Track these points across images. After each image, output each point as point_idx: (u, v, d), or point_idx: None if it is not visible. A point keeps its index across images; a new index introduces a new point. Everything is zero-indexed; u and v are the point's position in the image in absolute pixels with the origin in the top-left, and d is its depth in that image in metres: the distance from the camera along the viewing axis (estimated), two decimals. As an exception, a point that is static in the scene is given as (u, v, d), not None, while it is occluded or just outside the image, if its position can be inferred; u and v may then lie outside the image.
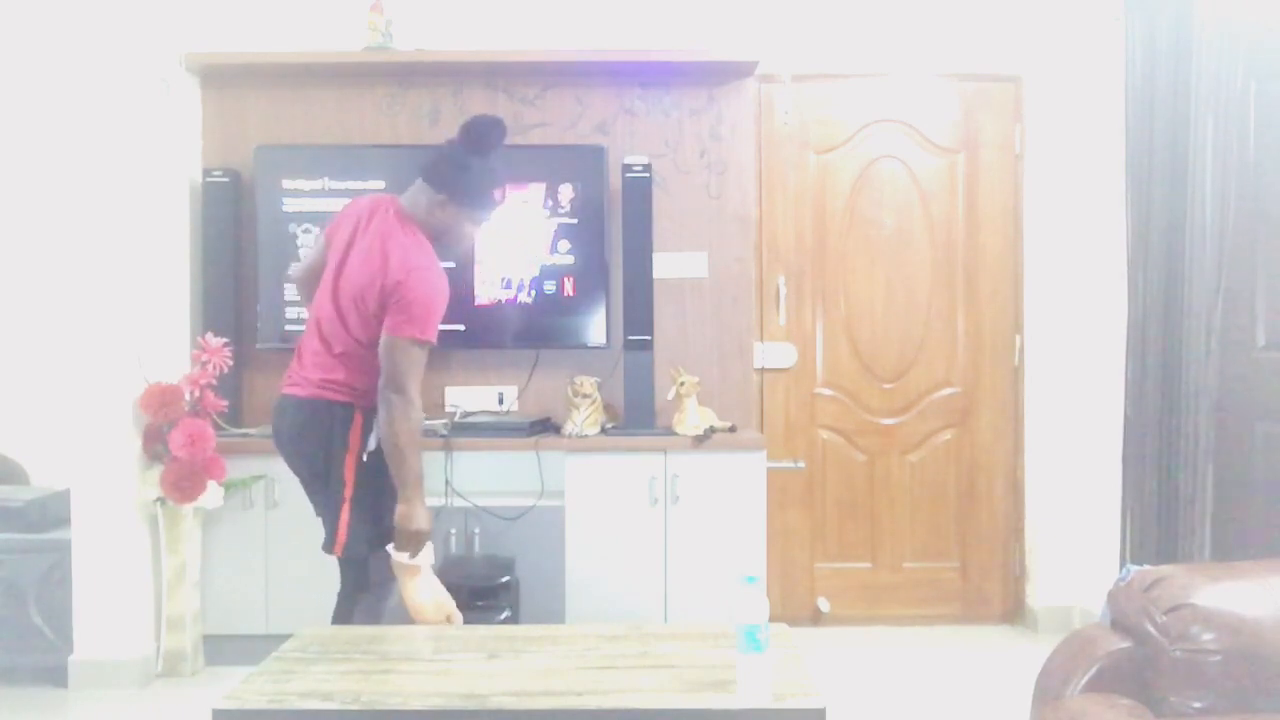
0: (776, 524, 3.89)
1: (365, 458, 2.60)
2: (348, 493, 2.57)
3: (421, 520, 2.52)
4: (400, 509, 2.52)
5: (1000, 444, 4.08)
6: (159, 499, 3.38)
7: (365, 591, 2.62)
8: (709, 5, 3.88)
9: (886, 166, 4.03)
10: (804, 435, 4.04)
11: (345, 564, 2.66)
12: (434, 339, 2.53)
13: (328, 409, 2.60)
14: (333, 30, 3.82)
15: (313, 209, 3.73)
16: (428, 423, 3.65)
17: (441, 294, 2.54)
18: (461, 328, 3.74)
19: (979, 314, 4.06)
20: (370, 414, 2.59)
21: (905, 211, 4.03)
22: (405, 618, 2.54)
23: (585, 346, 3.75)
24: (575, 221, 3.72)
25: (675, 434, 3.53)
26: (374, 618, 2.58)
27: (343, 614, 2.64)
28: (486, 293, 3.74)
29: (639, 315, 3.64)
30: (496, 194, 2.64)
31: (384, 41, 3.75)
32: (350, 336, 2.59)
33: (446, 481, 3.54)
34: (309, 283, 2.78)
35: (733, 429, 3.65)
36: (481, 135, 2.57)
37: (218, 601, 3.54)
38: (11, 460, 3.81)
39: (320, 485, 2.62)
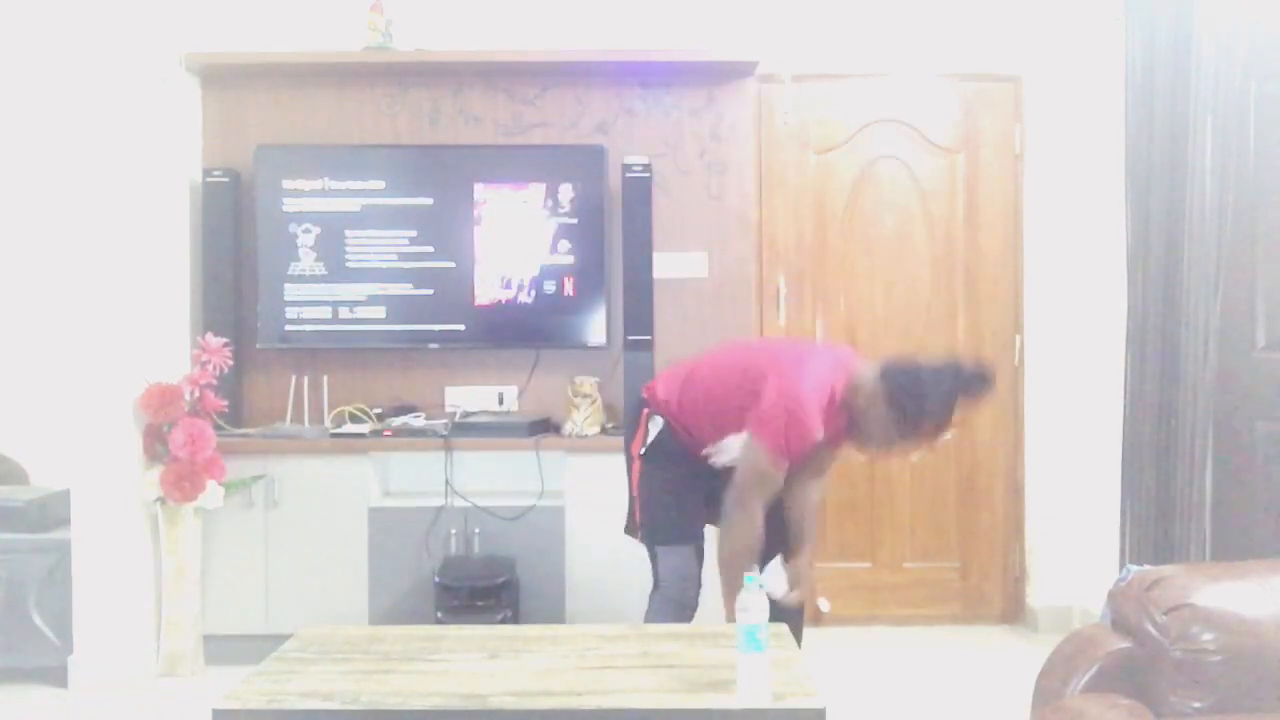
0: (776, 524, 3.89)
1: (644, 451, 2.70)
2: (633, 480, 2.73)
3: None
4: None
5: (1000, 444, 4.07)
6: (159, 499, 3.38)
7: (656, 590, 2.66)
8: (709, 5, 3.88)
9: (886, 166, 4.03)
10: (804, 435, 4.04)
11: (650, 557, 2.71)
12: (783, 458, 2.46)
13: (640, 403, 2.78)
14: (333, 30, 3.82)
15: (313, 209, 3.73)
16: (428, 423, 3.67)
17: (802, 426, 2.43)
18: (461, 328, 3.74)
19: (979, 314, 4.06)
20: (662, 417, 2.68)
21: (905, 211, 4.03)
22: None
23: (585, 346, 3.75)
24: (575, 221, 3.72)
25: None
26: (658, 615, 2.61)
27: (648, 609, 2.69)
28: (486, 293, 3.74)
29: (639, 315, 3.64)
30: (924, 429, 2.43)
31: (384, 41, 3.75)
32: (699, 387, 2.66)
33: (446, 481, 3.54)
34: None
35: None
36: (974, 382, 2.42)
37: (218, 601, 3.53)
38: (11, 460, 3.81)
39: (628, 473, 2.78)
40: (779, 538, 2.68)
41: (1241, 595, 1.80)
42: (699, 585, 2.67)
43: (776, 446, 2.45)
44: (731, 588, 2.47)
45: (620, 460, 3.25)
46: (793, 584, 2.63)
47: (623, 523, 2.81)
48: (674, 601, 2.61)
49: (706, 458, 2.66)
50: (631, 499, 2.76)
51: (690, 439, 2.68)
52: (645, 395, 2.78)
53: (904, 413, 2.41)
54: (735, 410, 2.56)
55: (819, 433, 2.48)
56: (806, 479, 2.68)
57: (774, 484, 2.51)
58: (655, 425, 2.69)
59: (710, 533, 2.74)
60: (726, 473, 2.59)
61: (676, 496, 2.67)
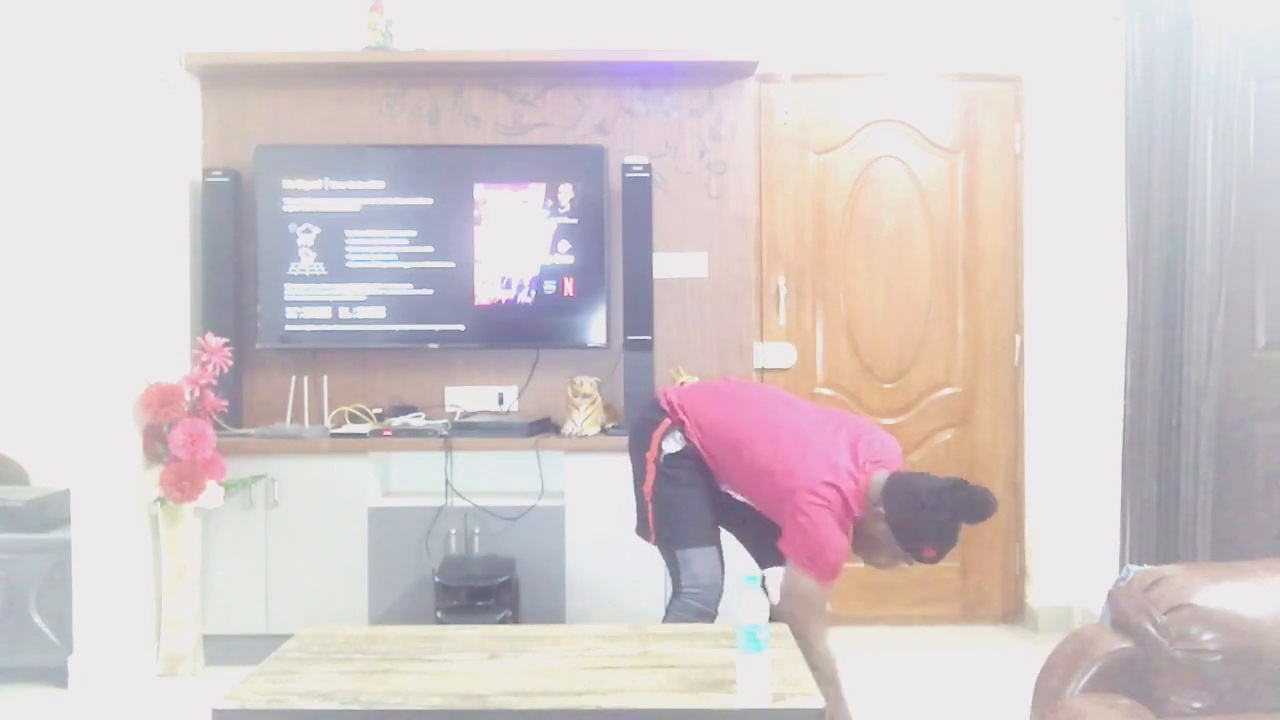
0: (776, 524, 3.89)
1: (663, 459, 2.69)
2: (646, 486, 2.71)
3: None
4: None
5: (1000, 444, 4.07)
6: (159, 499, 3.38)
7: (677, 596, 2.66)
8: (709, 5, 3.88)
9: (886, 166, 4.03)
10: (804, 435, 4.04)
11: (666, 562, 2.72)
12: (833, 579, 2.45)
13: (658, 412, 2.75)
14: (333, 30, 3.82)
15: (313, 209, 3.73)
16: (428, 423, 3.67)
17: (836, 547, 2.44)
18: (461, 328, 3.74)
19: (979, 314, 4.06)
20: (683, 434, 2.68)
21: (905, 211, 4.03)
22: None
23: (585, 346, 3.75)
24: (575, 221, 3.72)
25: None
26: (679, 622, 2.61)
27: (667, 613, 2.69)
28: (486, 293, 3.74)
29: (639, 315, 3.65)
30: (929, 551, 2.42)
31: (384, 41, 3.75)
32: (729, 437, 2.63)
33: (446, 481, 3.54)
34: None
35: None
36: (974, 508, 2.40)
37: (218, 601, 3.53)
38: (11, 460, 3.81)
39: (635, 475, 2.78)
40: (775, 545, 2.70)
41: (1241, 595, 1.80)
42: (721, 593, 2.66)
43: (825, 575, 2.44)
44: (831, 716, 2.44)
45: (621, 460, 3.25)
46: None
47: (632, 523, 2.80)
48: (695, 611, 2.61)
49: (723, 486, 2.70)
50: (643, 502, 2.74)
51: (711, 464, 2.69)
52: (664, 405, 2.75)
53: (909, 533, 2.41)
54: (767, 493, 2.58)
55: (848, 542, 2.50)
56: None
57: (827, 603, 2.53)
58: (674, 441, 2.68)
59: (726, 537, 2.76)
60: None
61: (695, 500, 2.67)
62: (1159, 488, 3.14)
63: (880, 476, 2.48)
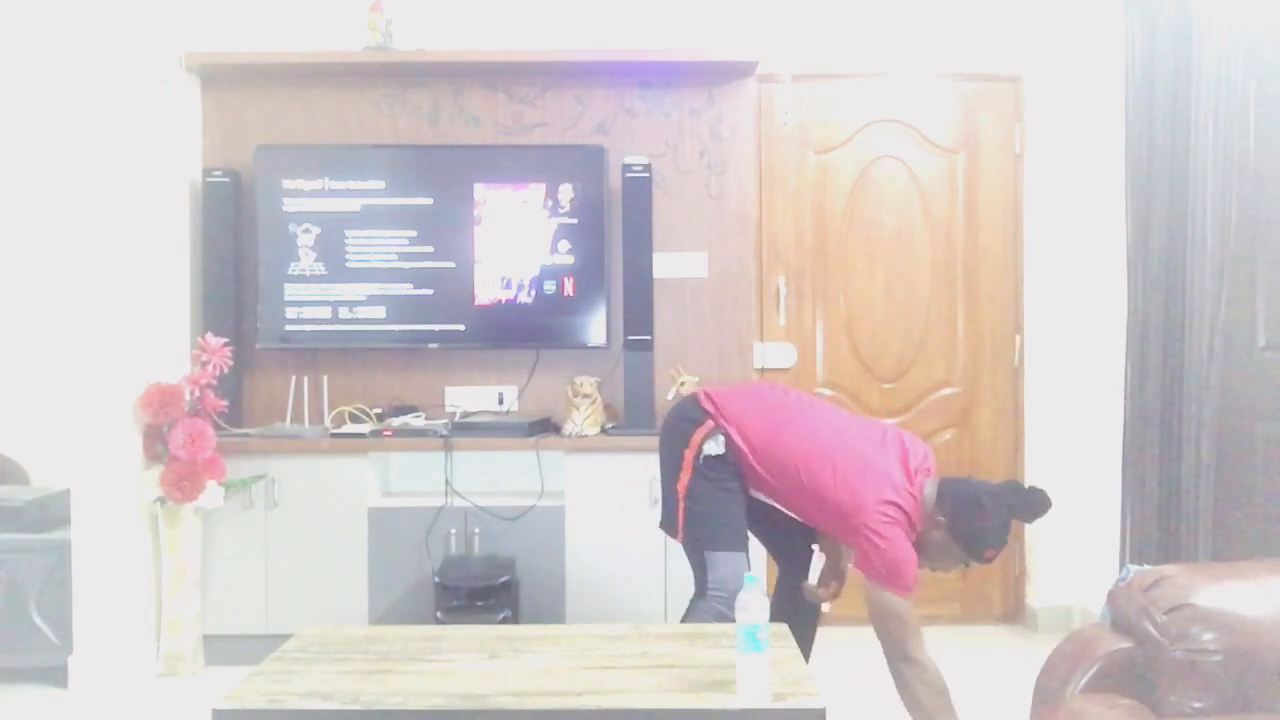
0: (776, 524, 3.88)
1: (702, 460, 2.65)
2: (680, 484, 2.67)
3: None
4: None
5: (1000, 444, 4.07)
6: (159, 499, 3.38)
7: (702, 597, 2.64)
8: (709, 5, 3.88)
9: (886, 166, 4.03)
10: (804, 435, 4.04)
11: (692, 562, 2.70)
12: (914, 588, 2.48)
13: (699, 412, 2.70)
14: (333, 30, 3.82)
15: (313, 209, 3.73)
16: (428, 423, 3.67)
17: (907, 559, 2.47)
18: (461, 328, 3.74)
19: (979, 314, 4.06)
20: (725, 438, 2.65)
21: (905, 211, 4.03)
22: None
23: (585, 346, 3.75)
24: (575, 221, 3.72)
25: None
26: (698, 621, 2.59)
27: (688, 613, 2.67)
28: (486, 293, 3.74)
29: (639, 315, 3.65)
30: (989, 553, 2.51)
31: (384, 41, 3.75)
32: (785, 455, 2.61)
33: (446, 481, 3.54)
34: None
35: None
36: (1032, 506, 2.51)
37: (218, 601, 3.53)
38: (11, 460, 3.81)
39: (667, 470, 2.73)
40: (805, 540, 2.75)
41: (1241, 595, 1.80)
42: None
43: (908, 588, 2.47)
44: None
45: (621, 460, 3.27)
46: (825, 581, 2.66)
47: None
48: (718, 614, 2.59)
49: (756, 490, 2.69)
50: (674, 499, 2.70)
51: (748, 469, 2.66)
52: (708, 408, 2.70)
53: (969, 538, 2.48)
54: (830, 515, 2.58)
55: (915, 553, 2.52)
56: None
57: (913, 610, 2.53)
58: (716, 444, 2.65)
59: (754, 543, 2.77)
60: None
61: (728, 503, 2.65)
62: (1159, 488, 3.14)
63: (931, 485, 2.54)
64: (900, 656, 2.48)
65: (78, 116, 3.33)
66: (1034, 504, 2.50)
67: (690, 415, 2.73)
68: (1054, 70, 3.95)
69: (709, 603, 2.60)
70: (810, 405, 2.78)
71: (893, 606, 2.48)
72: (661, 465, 2.76)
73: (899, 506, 2.48)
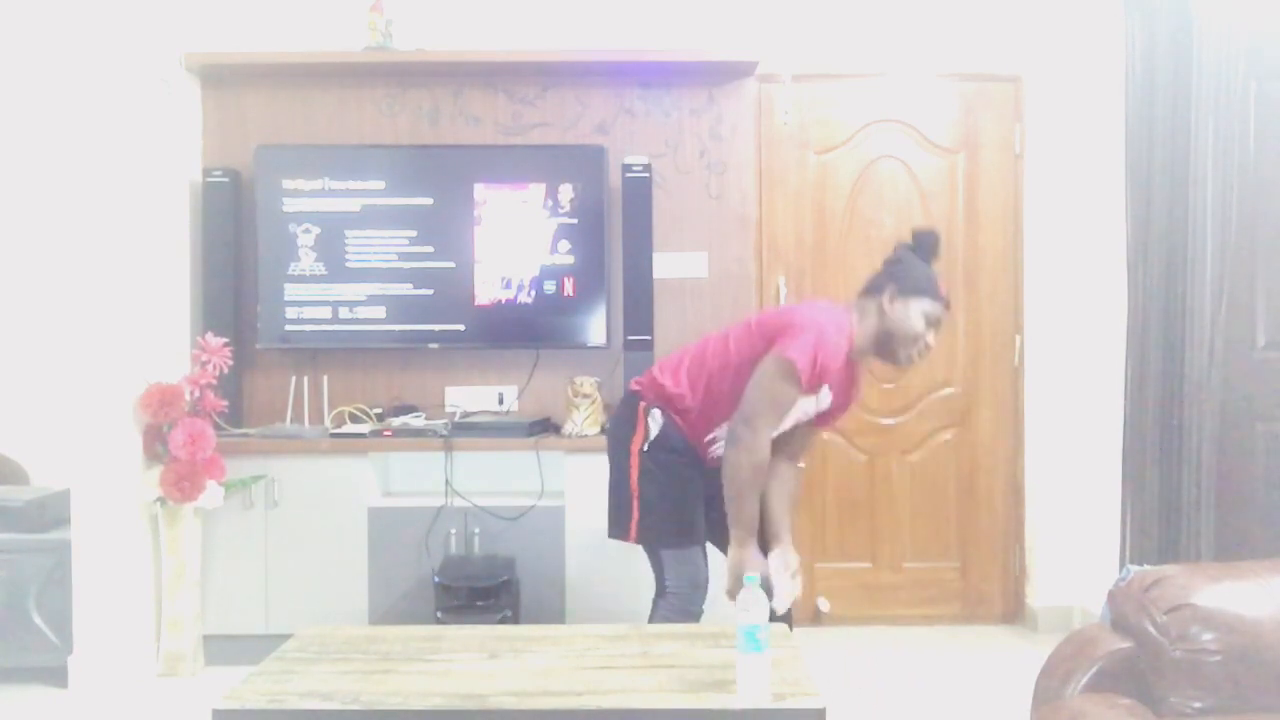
0: (776, 524, 3.88)
1: (646, 448, 2.63)
2: (631, 480, 2.64)
3: (752, 567, 2.41)
4: (731, 552, 2.48)
5: (1000, 444, 4.08)
6: (159, 499, 3.38)
7: (662, 596, 2.62)
8: (709, 5, 3.88)
9: (886, 166, 4.03)
10: (804, 435, 4.04)
11: (650, 561, 2.67)
12: (804, 377, 2.42)
13: (633, 398, 2.69)
14: (333, 30, 3.82)
15: (313, 209, 3.73)
16: (428, 423, 3.67)
17: (830, 347, 2.46)
18: (461, 328, 3.74)
19: (979, 314, 4.06)
20: (660, 411, 2.62)
21: (905, 211, 4.02)
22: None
23: (585, 346, 3.76)
24: (575, 221, 3.72)
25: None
26: (665, 622, 2.57)
27: (652, 614, 2.65)
28: (486, 293, 3.74)
29: (639, 315, 3.65)
30: (941, 289, 2.56)
31: (384, 41, 3.76)
32: (708, 364, 2.61)
33: (446, 481, 3.54)
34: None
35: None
36: (931, 244, 2.61)
37: (218, 601, 3.54)
38: (11, 460, 3.81)
39: (616, 472, 2.70)
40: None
41: (1241, 595, 1.80)
42: (705, 593, 2.63)
43: (804, 361, 2.40)
44: (741, 514, 2.44)
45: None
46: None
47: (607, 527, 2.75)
48: (680, 611, 2.58)
49: (710, 446, 2.63)
50: (625, 499, 2.67)
51: (693, 431, 2.63)
52: (636, 389, 2.71)
53: (917, 282, 2.54)
54: (748, 374, 2.53)
55: (838, 365, 2.50)
56: (784, 464, 2.66)
57: (786, 406, 2.47)
58: (655, 421, 2.64)
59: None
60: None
61: (680, 497, 2.63)
62: (1159, 487, 3.14)
63: (853, 314, 2.59)
64: (744, 420, 2.45)
65: (78, 116, 3.33)
66: (927, 238, 2.61)
67: (624, 408, 2.73)
68: (1054, 70, 3.95)
69: (669, 599, 2.59)
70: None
71: (778, 377, 2.43)
72: (611, 469, 2.72)
73: (839, 324, 2.53)
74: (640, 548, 2.69)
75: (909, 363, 2.62)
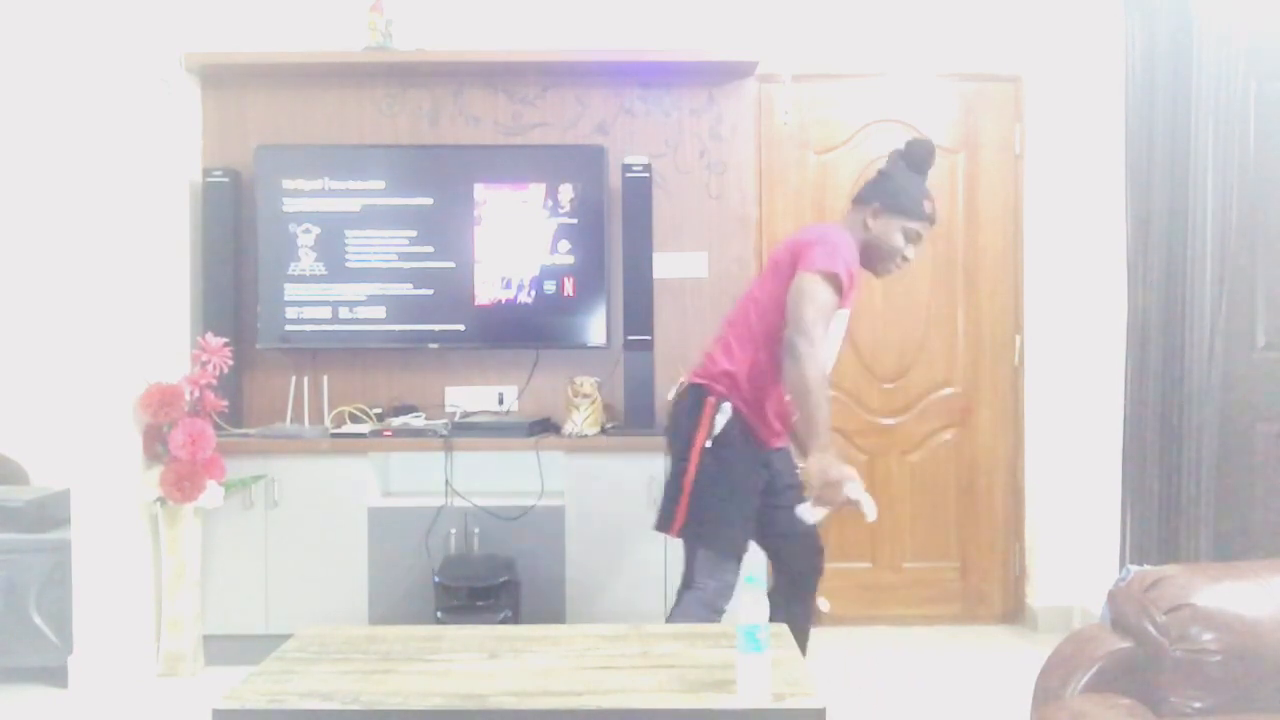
0: (776, 524, 3.88)
1: (709, 444, 2.59)
2: (688, 474, 2.60)
3: (835, 471, 2.39)
4: (812, 460, 2.41)
5: (1000, 444, 4.08)
6: (159, 499, 3.38)
7: (689, 589, 2.61)
8: (709, 5, 3.88)
9: (886, 166, 4.03)
10: (804, 435, 4.04)
11: (685, 553, 2.66)
12: (843, 278, 2.48)
13: (699, 391, 2.65)
14: (333, 30, 3.82)
15: (313, 209, 3.73)
16: (428, 423, 3.67)
17: (849, 253, 2.53)
18: (461, 328, 3.74)
19: (979, 314, 4.06)
20: (730, 405, 2.60)
21: (905, 211, 4.02)
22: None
23: (585, 346, 3.76)
24: (575, 221, 3.72)
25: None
26: (688, 616, 2.57)
27: (676, 604, 2.65)
28: (486, 293, 3.74)
29: (639, 315, 3.65)
30: (926, 205, 2.62)
31: (384, 41, 3.76)
32: (751, 322, 2.63)
33: (446, 481, 3.54)
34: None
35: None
36: (923, 156, 2.66)
37: (218, 601, 3.54)
38: (11, 460, 3.81)
39: (674, 462, 2.67)
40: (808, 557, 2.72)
41: (1241, 595, 1.80)
42: (732, 595, 2.62)
43: (838, 265, 2.47)
44: (814, 422, 2.40)
45: (621, 460, 3.25)
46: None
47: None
48: (706, 605, 2.57)
49: (787, 405, 2.60)
50: (676, 494, 2.62)
51: (761, 415, 2.61)
52: (702, 383, 2.65)
53: (901, 200, 2.61)
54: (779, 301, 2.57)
55: (857, 270, 2.59)
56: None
57: (829, 313, 2.48)
58: (724, 414, 2.59)
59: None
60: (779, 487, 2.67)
61: (732, 503, 2.60)
62: (1159, 487, 3.14)
63: (845, 219, 2.69)
64: (799, 329, 2.44)
65: (78, 117, 3.33)
66: (918, 149, 2.66)
67: (691, 405, 2.66)
68: (1054, 70, 3.95)
69: (696, 593, 2.59)
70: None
71: (815, 289, 2.46)
72: (671, 462, 2.70)
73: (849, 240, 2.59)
74: (667, 545, 2.68)
75: (887, 273, 2.72)
